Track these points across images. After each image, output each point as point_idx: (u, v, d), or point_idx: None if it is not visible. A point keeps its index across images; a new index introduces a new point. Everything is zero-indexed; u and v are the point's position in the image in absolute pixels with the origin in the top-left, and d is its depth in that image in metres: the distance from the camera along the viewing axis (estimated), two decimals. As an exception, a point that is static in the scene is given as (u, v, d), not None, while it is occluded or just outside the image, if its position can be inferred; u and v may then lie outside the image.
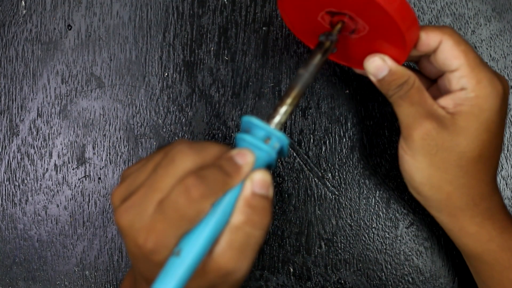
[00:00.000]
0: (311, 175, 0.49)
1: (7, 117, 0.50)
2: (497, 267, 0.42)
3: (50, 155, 0.50)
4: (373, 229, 0.50)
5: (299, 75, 0.38)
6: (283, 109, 0.37)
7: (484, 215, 0.41)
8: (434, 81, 0.44)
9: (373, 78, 0.41)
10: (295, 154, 0.49)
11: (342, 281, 0.50)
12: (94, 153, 0.50)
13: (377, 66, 0.41)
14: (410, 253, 0.50)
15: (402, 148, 0.41)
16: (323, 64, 0.39)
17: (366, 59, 0.41)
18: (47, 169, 0.50)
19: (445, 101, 0.41)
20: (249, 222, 0.34)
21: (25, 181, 0.50)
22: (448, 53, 0.40)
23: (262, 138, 0.35)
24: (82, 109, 0.50)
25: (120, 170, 0.50)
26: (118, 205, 0.34)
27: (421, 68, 0.44)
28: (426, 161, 0.40)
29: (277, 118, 0.37)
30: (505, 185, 0.49)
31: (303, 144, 0.49)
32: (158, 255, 0.32)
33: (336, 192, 0.50)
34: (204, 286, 0.34)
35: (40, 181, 0.50)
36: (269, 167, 0.36)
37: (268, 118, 0.37)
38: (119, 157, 0.50)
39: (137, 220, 0.32)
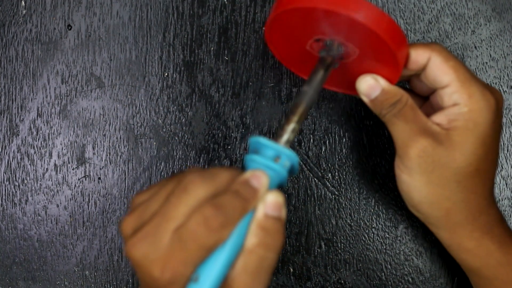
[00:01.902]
0: (311, 175, 0.49)
1: (7, 117, 0.50)
2: (495, 282, 0.42)
3: (50, 155, 0.50)
4: (373, 229, 0.50)
5: (303, 92, 0.38)
6: (290, 127, 0.37)
7: (483, 229, 0.41)
8: (426, 99, 0.44)
9: (365, 99, 0.41)
10: (295, 154, 0.49)
11: (342, 281, 0.50)
12: (94, 153, 0.50)
13: (370, 85, 0.40)
14: (410, 253, 0.50)
15: (399, 167, 0.41)
16: (326, 79, 0.39)
17: (358, 80, 0.41)
18: (47, 169, 0.50)
19: (439, 117, 0.40)
20: (262, 245, 0.33)
21: (25, 181, 0.50)
22: (438, 69, 0.40)
23: (272, 158, 0.35)
24: (82, 109, 0.50)
25: (120, 170, 0.50)
26: (130, 236, 0.33)
27: (413, 87, 0.44)
28: (424, 179, 0.40)
29: (285, 137, 0.37)
30: (505, 185, 0.49)
31: (303, 144, 0.49)
32: (175, 285, 0.32)
33: (336, 192, 0.50)
34: None
35: (40, 181, 0.50)
36: (280, 186, 0.36)
37: (276, 137, 0.37)
38: (119, 157, 0.50)
39: (151, 250, 0.32)
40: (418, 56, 0.40)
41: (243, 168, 0.35)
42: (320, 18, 0.38)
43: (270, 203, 0.34)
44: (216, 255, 0.32)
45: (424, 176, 0.40)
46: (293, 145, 0.49)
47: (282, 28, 0.41)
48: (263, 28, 0.49)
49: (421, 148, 0.39)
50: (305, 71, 0.45)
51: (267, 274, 0.34)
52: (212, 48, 0.49)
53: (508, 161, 0.49)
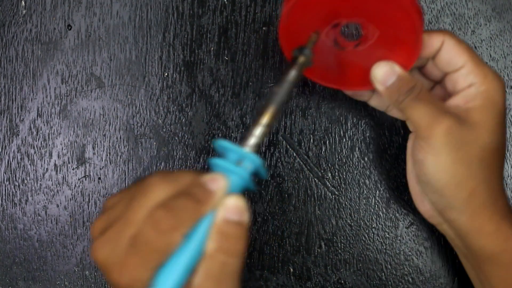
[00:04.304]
0: (311, 175, 0.49)
1: (7, 117, 0.50)
2: None
3: (50, 155, 0.50)
4: (373, 229, 0.50)
5: (273, 93, 0.37)
6: (258, 131, 0.36)
7: (501, 213, 0.41)
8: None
9: (381, 87, 0.41)
10: (295, 154, 0.49)
11: (342, 281, 0.50)
12: (94, 153, 0.50)
13: (386, 72, 0.40)
14: (410, 253, 0.50)
15: (423, 150, 0.41)
16: (298, 80, 0.38)
17: (373, 67, 0.41)
18: (47, 169, 0.50)
19: (455, 100, 0.41)
20: (222, 250, 0.33)
21: (25, 181, 0.50)
22: (452, 51, 0.40)
23: (234, 161, 0.35)
24: (82, 109, 0.50)
25: (120, 170, 0.50)
26: (96, 238, 0.33)
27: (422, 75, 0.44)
28: (450, 158, 0.40)
29: (252, 140, 0.36)
30: (505, 185, 0.49)
31: (303, 144, 0.49)
32: None
33: (336, 192, 0.50)
34: None
35: (40, 181, 0.50)
36: (249, 190, 0.36)
37: (241, 140, 0.36)
38: (119, 157, 0.50)
39: (111, 255, 0.32)
40: (433, 40, 0.41)
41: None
42: None
43: (230, 207, 0.34)
44: (174, 260, 0.32)
45: (451, 155, 0.40)
46: (293, 145, 0.49)
47: (297, 19, 0.39)
48: (264, 28, 0.49)
49: (447, 126, 0.39)
50: (328, 77, 0.43)
51: (232, 279, 0.34)
52: (212, 48, 0.49)
53: (508, 161, 0.49)
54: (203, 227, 0.33)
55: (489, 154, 0.40)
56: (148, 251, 0.31)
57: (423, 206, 0.44)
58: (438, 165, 0.40)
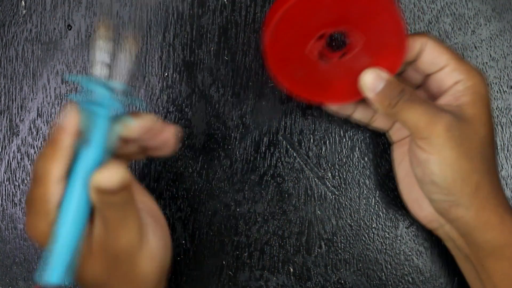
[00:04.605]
0: (311, 175, 0.49)
1: (7, 117, 0.50)
2: None
3: (50, 155, 0.50)
4: (373, 229, 0.50)
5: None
6: (98, 54, 0.37)
7: (504, 205, 0.42)
8: None
9: (370, 94, 0.41)
10: (295, 154, 0.49)
11: (342, 281, 0.50)
12: (94, 153, 0.50)
13: (374, 78, 0.41)
14: (410, 253, 0.50)
15: (425, 150, 0.41)
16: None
17: (361, 75, 0.41)
18: (47, 169, 0.50)
19: (445, 99, 0.42)
20: (103, 204, 0.35)
21: (25, 181, 0.50)
22: (434, 52, 0.41)
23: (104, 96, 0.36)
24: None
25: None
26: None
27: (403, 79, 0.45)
28: (454, 154, 0.40)
29: (98, 66, 0.37)
30: (505, 185, 0.49)
31: (303, 144, 0.49)
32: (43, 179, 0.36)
33: (336, 192, 0.50)
34: (104, 268, 0.37)
35: (40, 181, 0.50)
36: (135, 104, 0.38)
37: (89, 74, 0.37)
38: (119, 157, 0.50)
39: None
40: (415, 42, 0.41)
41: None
42: (330, 2, 0.38)
43: (101, 178, 0.35)
44: (64, 216, 0.35)
45: (454, 150, 0.40)
46: (293, 145, 0.49)
47: (283, 34, 0.40)
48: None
49: (446, 123, 0.40)
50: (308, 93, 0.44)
51: (129, 224, 0.37)
52: (212, 48, 0.49)
53: (508, 161, 0.49)
54: (84, 162, 0.35)
55: (486, 146, 0.41)
56: (33, 200, 0.36)
57: (422, 211, 0.44)
58: (442, 162, 0.40)
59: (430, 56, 0.42)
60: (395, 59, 0.41)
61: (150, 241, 0.38)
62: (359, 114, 0.46)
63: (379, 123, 0.47)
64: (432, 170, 0.41)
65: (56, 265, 0.35)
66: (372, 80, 0.41)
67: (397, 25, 0.39)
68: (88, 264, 0.37)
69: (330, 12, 0.39)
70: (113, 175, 0.35)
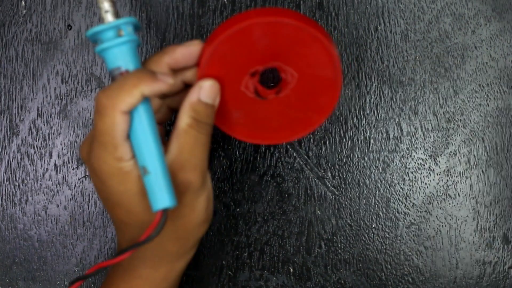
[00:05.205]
0: (311, 175, 0.49)
1: (7, 117, 0.50)
2: None
3: (50, 155, 0.50)
4: (373, 229, 0.50)
5: None
6: (105, 5, 0.37)
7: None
8: None
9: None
10: (295, 154, 0.49)
11: (342, 281, 0.50)
12: (94, 153, 0.50)
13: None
14: (410, 253, 0.50)
15: None
16: None
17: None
18: (47, 169, 0.50)
19: None
20: (193, 126, 0.37)
21: (25, 181, 0.50)
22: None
23: (116, 35, 0.37)
24: (82, 109, 0.50)
25: (120, 170, 0.50)
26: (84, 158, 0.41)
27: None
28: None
29: (109, 12, 0.37)
30: (505, 185, 0.49)
31: (303, 144, 0.49)
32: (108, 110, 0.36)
33: (336, 192, 0.50)
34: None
35: (40, 181, 0.50)
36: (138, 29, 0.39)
37: (102, 20, 0.38)
38: (119, 157, 0.50)
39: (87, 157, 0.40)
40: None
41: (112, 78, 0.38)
42: (259, 38, 0.37)
43: (204, 90, 0.38)
44: (144, 146, 0.36)
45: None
46: (293, 145, 0.49)
47: (215, 71, 0.38)
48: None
49: None
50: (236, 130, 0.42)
51: (202, 152, 0.38)
52: (212, 48, 0.49)
53: (508, 161, 0.49)
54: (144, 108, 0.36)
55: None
56: (99, 132, 0.36)
57: None
58: None
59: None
60: (332, 92, 0.39)
61: (208, 186, 0.39)
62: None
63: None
64: None
65: (163, 190, 0.36)
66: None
67: (329, 57, 0.38)
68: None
69: (259, 48, 0.38)
70: (213, 84, 0.37)
